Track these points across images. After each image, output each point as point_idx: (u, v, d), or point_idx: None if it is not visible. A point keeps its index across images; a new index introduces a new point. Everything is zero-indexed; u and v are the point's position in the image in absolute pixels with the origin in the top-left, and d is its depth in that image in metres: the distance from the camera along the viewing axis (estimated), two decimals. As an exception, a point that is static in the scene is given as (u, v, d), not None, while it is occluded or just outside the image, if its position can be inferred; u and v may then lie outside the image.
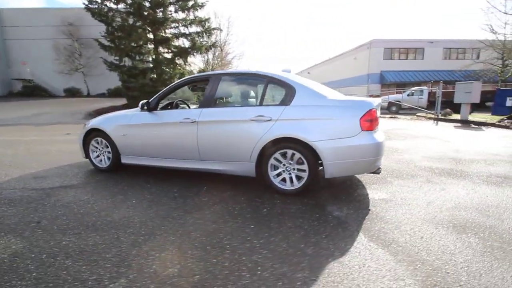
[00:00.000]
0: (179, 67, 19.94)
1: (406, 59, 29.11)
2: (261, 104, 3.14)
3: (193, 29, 19.75)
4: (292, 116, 2.94)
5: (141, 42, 18.57)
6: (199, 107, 3.39)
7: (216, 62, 29.25)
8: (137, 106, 3.79)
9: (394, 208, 2.78)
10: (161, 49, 19.62)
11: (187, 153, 3.41)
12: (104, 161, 4.05)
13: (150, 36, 18.60)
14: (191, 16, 19.60)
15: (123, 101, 20.00)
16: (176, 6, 19.13)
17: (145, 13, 17.53)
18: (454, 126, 10.28)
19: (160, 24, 18.17)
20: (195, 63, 27.36)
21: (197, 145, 3.31)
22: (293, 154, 2.98)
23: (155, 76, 18.85)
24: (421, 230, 2.35)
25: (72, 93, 26.23)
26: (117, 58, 18.24)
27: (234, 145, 3.16)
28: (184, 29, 19.75)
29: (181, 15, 19.54)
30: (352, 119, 2.79)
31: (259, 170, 3.15)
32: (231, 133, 3.15)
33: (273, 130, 2.96)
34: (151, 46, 19.08)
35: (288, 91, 3.05)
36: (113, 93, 25.68)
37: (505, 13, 16.51)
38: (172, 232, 2.32)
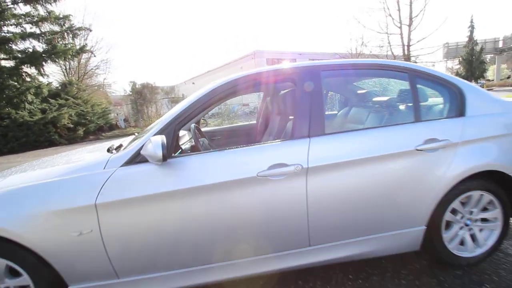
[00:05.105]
0: (29, 79, 14.22)
1: (285, 68, 32.51)
2: (418, 119, 1.73)
3: (47, 28, 14.62)
4: (478, 134, 1.71)
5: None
6: (293, 136, 1.60)
7: (83, 71, 23.26)
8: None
9: None
10: (-6, 54, 13.46)
11: (279, 239, 1.55)
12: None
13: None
14: (41, 12, 14.38)
15: None
16: (14, -5, 13.53)
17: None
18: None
19: (-10, 17, 12.33)
20: (53, 74, 20.78)
21: (306, 218, 1.53)
22: (480, 197, 1.76)
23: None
24: None
25: None
26: None
27: (387, 203, 1.61)
28: (32, 28, 14.29)
29: (24, 8, 14.01)
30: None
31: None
32: (381, 182, 1.59)
33: (459, 162, 1.64)
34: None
35: (452, 94, 1.80)
36: None
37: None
38: None
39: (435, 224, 1.72)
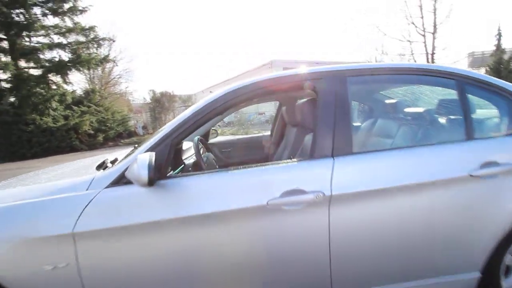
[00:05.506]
0: (55, 86, 14.79)
1: (302, 77, 32.31)
2: (470, 137, 1.40)
3: (73, 38, 15.20)
4: (549, 155, 1.36)
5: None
6: (313, 156, 1.31)
7: (106, 80, 24.04)
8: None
9: None
10: (23, 63, 14.14)
11: (293, 283, 1.26)
12: None
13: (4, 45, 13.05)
14: (69, 23, 15.00)
15: None
16: (44, 8, 14.21)
17: (-7, 12, 12.14)
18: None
19: (22, 30, 13.02)
20: (78, 82, 21.63)
21: (328, 259, 1.23)
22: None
23: (16, 99, 13.22)
24: None
25: None
26: None
27: (431, 242, 1.28)
28: (59, 38, 14.92)
29: (53, 20, 14.69)
30: None
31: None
32: (423, 216, 1.26)
33: (524, 192, 1.30)
34: (6, 58, 13.32)
35: (510, 104, 1.46)
36: None
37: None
38: None
39: (492, 270, 1.36)
